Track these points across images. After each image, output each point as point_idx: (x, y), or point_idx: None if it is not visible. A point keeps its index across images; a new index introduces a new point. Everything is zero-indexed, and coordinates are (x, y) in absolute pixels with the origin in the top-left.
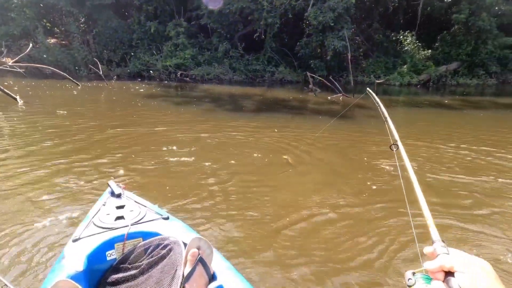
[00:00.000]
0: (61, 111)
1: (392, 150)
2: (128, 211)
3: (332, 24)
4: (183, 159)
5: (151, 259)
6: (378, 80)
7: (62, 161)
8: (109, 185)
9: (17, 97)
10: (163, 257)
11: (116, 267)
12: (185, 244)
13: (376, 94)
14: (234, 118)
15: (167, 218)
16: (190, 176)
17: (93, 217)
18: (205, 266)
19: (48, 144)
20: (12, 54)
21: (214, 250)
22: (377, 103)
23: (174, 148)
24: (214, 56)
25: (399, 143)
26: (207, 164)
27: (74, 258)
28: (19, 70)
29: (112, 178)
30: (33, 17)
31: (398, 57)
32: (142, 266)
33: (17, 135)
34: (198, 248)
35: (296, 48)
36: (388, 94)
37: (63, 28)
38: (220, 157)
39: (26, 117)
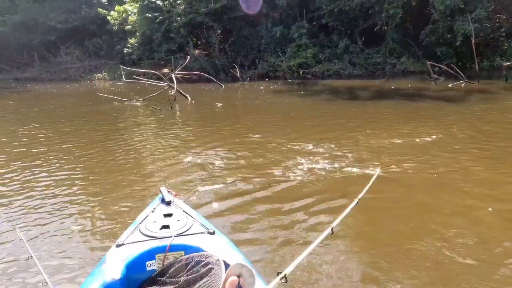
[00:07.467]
0: (219, 104)
1: None
2: (175, 221)
3: (462, 6)
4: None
5: (189, 276)
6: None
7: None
8: (160, 191)
9: (187, 95)
10: (202, 276)
11: (154, 279)
12: (226, 265)
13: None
14: (349, 107)
15: (213, 233)
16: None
17: (140, 223)
18: None
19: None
20: (170, 65)
21: (260, 279)
22: None
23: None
24: (334, 53)
25: None
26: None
27: (114, 265)
28: (179, 77)
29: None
30: (186, 35)
31: None
32: (180, 283)
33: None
34: (239, 276)
35: (420, 37)
36: None
37: (204, 41)
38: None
39: (194, 108)
